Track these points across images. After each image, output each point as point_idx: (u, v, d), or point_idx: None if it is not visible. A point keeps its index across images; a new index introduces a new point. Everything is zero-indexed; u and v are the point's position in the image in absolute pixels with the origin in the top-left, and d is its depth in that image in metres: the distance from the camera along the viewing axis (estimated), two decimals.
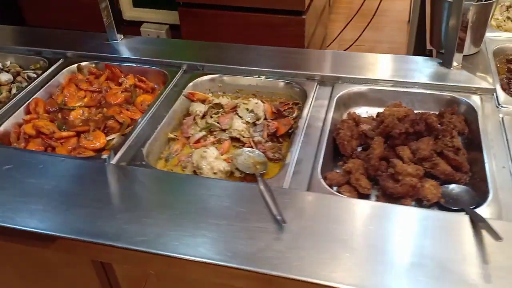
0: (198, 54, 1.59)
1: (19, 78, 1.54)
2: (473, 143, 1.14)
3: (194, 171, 1.15)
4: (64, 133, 1.27)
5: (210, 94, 1.44)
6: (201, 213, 0.97)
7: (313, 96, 1.32)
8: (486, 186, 0.99)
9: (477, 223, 0.89)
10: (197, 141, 1.26)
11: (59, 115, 1.38)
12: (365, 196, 1.06)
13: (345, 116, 1.29)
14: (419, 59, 1.42)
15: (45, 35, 1.76)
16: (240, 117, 1.28)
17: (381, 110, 1.24)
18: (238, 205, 0.98)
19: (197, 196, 1.01)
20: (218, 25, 2.65)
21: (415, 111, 1.21)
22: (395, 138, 1.11)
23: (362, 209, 0.97)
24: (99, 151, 1.25)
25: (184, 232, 0.93)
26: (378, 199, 1.05)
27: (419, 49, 3.24)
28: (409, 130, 1.11)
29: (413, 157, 1.09)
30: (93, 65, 1.55)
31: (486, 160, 1.05)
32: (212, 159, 1.13)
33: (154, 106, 1.33)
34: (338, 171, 1.13)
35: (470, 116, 1.21)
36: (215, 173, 1.12)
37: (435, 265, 0.84)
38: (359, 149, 1.18)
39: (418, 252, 0.86)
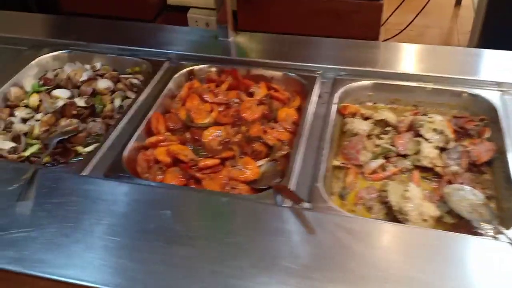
0: (334, 55, 1.33)
1: (120, 85, 1.29)
2: None
3: (394, 216, 0.90)
4: (209, 161, 1.02)
5: (357, 105, 1.19)
6: None
7: (506, 110, 1.07)
8: None
9: None
10: (373, 171, 1.01)
11: (188, 135, 1.13)
12: None
13: None
14: None
15: (131, 30, 1.50)
16: (426, 139, 1.03)
17: None
18: None
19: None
20: (280, 12, 2.38)
21: None
22: None
23: None
24: (252, 183, 1.01)
25: None
26: None
27: (486, 36, 2.99)
28: None
29: None
30: (213, 70, 1.29)
31: None
32: (418, 201, 0.89)
33: (305, 124, 1.08)
34: None
35: None
36: (424, 220, 0.88)
37: None
38: None
39: None
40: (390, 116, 1.12)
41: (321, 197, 0.90)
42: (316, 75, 1.23)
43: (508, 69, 1.19)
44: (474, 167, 1.00)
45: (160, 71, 1.28)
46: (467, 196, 0.91)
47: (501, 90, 1.14)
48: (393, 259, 0.79)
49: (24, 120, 1.21)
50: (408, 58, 1.31)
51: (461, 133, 1.08)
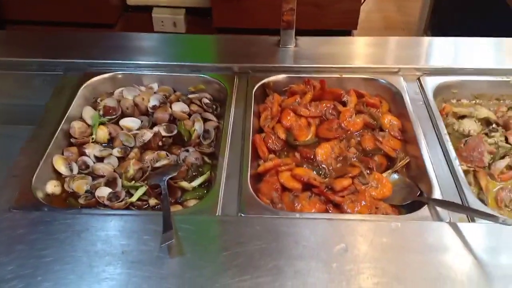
0: (408, 53, 1.31)
1: (194, 107, 1.17)
2: None
3: None
4: (345, 182, 0.96)
5: (443, 104, 1.20)
6: None
7: None
8: None
9: None
10: (502, 172, 1.02)
11: (297, 155, 1.05)
12: None
13: None
14: None
15: (177, 43, 1.37)
16: None
17: None
18: None
19: None
20: (257, 7, 2.34)
21: None
22: None
23: None
24: (387, 200, 0.97)
25: None
26: None
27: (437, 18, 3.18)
28: None
29: None
30: (290, 80, 1.21)
31: None
32: None
33: (418, 130, 1.06)
34: None
35: None
36: None
37: None
38: None
39: None
40: (489, 114, 1.13)
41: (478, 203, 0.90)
42: (399, 75, 1.21)
43: None
44: None
45: (234, 88, 1.18)
46: None
47: None
48: None
49: (98, 159, 1.06)
50: (482, 52, 1.31)
51: None
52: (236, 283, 0.76)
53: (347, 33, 2.74)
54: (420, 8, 3.48)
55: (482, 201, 0.97)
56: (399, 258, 0.81)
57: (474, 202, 0.91)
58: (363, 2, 2.99)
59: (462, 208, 0.88)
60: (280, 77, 1.22)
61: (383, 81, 1.20)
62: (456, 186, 0.94)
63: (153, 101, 1.15)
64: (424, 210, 0.90)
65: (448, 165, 0.98)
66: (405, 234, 0.85)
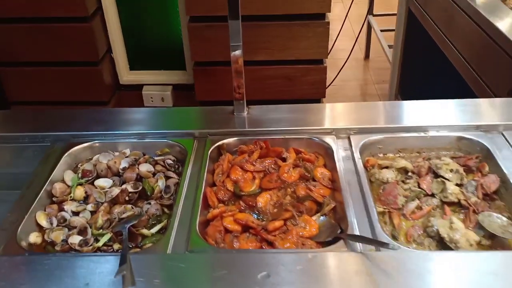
0: (341, 116, 1.54)
1: (158, 167, 1.39)
2: None
3: (445, 245, 1.09)
4: (277, 223, 1.15)
5: (371, 157, 1.41)
6: None
7: (495, 148, 1.34)
8: None
9: None
10: (413, 212, 1.21)
11: (241, 204, 1.25)
12: None
13: None
14: None
15: (147, 115, 1.62)
16: (446, 179, 1.25)
17: None
18: None
19: None
20: (231, 81, 2.62)
21: None
22: None
23: None
24: (313, 238, 1.15)
25: None
26: None
27: (404, 84, 3.50)
28: None
29: None
30: (240, 142, 1.44)
31: None
32: (464, 231, 1.09)
33: (342, 180, 1.26)
34: None
35: None
36: (471, 245, 1.08)
37: None
38: None
39: None
40: (407, 164, 1.33)
41: (386, 239, 1.08)
42: (332, 135, 1.43)
43: (485, 114, 1.47)
44: (487, 196, 1.23)
45: (192, 150, 1.41)
46: (495, 220, 1.13)
47: (482, 131, 1.41)
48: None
49: (74, 213, 1.26)
50: (407, 113, 1.55)
51: (466, 170, 1.32)
52: None
53: (316, 101, 3.01)
54: (391, 75, 3.80)
55: (394, 237, 1.15)
56: (311, 281, 0.98)
57: (382, 235, 1.09)
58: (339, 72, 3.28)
59: (366, 239, 1.06)
60: (233, 139, 1.45)
61: (317, 140, 1.42)
62: (369, 224, 1.13)
63: (123, 164, 1.37)
64: (340, 244, 1.08)
65: (365, 208, 1.18)
66: (320, 263, 1.03)
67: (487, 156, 1.33)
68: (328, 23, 2.63)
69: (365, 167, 1.35)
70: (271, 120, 1.52)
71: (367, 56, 4.76)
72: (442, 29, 2.57)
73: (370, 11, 4.46)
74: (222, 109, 1.57)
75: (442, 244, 1.10)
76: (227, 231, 1.16)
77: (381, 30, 4.26)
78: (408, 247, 1.10)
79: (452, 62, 2.43)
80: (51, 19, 2.59)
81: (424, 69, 3.15)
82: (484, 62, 2.10)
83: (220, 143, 1.43)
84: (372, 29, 4.39)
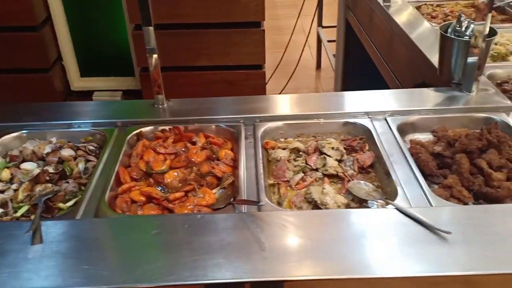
0: (250, 108, 1.73)
1: (80, 152, 1.54)
2: None
3: (318, 208, 1.28)
4: (177, 194, 1.32)
5: (274, 141, 1.59)
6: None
7: (376, 131, 1.54)
8: None
9: None
10: (297, 183, 1.40)
11: (151, 180, 1.42)
12: (465, 204, 1.29)
13: (408, 142, 1.53)
14: (442, 89, 1.73)
15: (74, 107, 1.77)
16: (329, 155, 1.45)
17: (428, 135, 1.53)
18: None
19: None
20: (180, 85, 2.81)
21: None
22: (473, 153, 1.37)
23: None
24: (211, 206, 1.32)
25: None
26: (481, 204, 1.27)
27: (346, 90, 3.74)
28: (480, 146, 1.37)
29: (490, 167, 1.35)
30: (159, 129, 1.61)
31: None
32: (333, 195, 1.28)
33: (241, 159, 1.44)
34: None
35: (508, 130, 1.51)
36: (338, 206, 1.27)
37: None
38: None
39: None
40: (299, 144, 1.53)
41: (267, 203, 1.26)
42: (240, 123, 1.61)
43: (371, 103, 1.68)
44: (363, 170, 1.43)
45: (112, 137, 1.57)
46: (363, 187, 1.33)
47: (369, 117, 1.61)
48: (325, 234, 1.16)
49: (1, 191, 1.40)
50: (304, 104, 1.75)
51: (350, 150, 1.51)
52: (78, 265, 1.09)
53: None
54: (334, 83, 4.05)
55: (279, 203, 1.33)
56: (195, 234, 1.15)
57: (265, 201, 1.27)
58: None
59: (242, 201, 1.24)
60: (150, 128, 1.62)
61: (225, 126, 1.60)
62: (256, 193, 1.31)
63: (47, 149, 1.52)
64: (229, 208, 1.26)
65: (256, 181, 1.35)
66: (206, 221, 1.20)
67: (370, 137, 1.53)
68: (263, 30, 2.84)
69: (265, 148, 1.53)
70: (188, 110, 1.69)
71: (318, 66, 5.01)
72: (366, 31, 2.82)
73: (319, 23, 4.73)
74: (144, 102, 1.74)
75: (317, 207, 1.29)
76: (133, 201, 1.32)
77: (328, 41, 4.52)
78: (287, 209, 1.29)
79: (374, 61, 2.68)
80: (1, 28, 2.72)
81: (362, 76, 3.40)
82: (394, 59, 2.34)
83: (138, 130, 1.60)
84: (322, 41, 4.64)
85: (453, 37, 1.66)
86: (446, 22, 1.73)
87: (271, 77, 3.93)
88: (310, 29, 4.45)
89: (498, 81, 1.84)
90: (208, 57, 2.83)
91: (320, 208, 1.28)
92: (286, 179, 1.41)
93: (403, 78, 2.26)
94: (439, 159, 1.41)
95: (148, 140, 1.58)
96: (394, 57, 2.38)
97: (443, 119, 1.59)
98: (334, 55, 4.09)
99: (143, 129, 1.61)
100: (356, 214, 1.22)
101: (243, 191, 1.31)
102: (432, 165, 1.38)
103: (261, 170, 1.39)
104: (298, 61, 4.28)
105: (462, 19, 1.67)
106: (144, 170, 1.45)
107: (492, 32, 1.61)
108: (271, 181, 1.40)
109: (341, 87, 3.90)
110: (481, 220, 1.16)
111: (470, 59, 1.60)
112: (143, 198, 1.32)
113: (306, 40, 4.41)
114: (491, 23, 1.55)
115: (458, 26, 1.67)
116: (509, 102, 1.62)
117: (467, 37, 1.64)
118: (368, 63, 2.84)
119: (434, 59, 1.83)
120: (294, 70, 4.25)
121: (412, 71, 2.14)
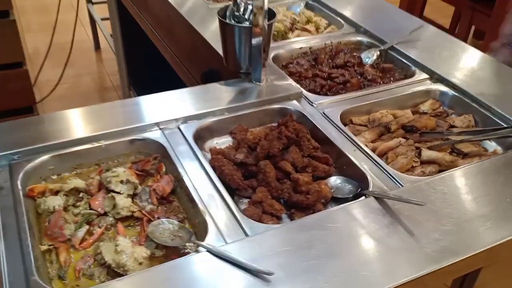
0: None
1: None
2: (319, 139, 1.37)
3: (116, 273, 0.99)
4: None
5: (44, 183, 1.23)
6: None
7: (171, 145, 1.30)
8: (360, 170, 1.24)
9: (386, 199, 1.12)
10: (83, 240, 1.08)
11: None
12: (279, 218, 1.16)
13: (207, 151, 1.33)
14: (233, 82, 1.56)
15: None
16: (118, 192, 1.15)
17: (227, 138, 1.38)
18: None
19: None
20: None
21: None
22: (276, 156, 1.24)
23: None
24: None
25: None
26: (293, 215, 1.16)
27: (134, 74, 3.45)
28: (281, 147, 1.26)
29: (294, 168, 1.24)
30: None
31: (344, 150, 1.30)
32: (130, 250, 1.01)
33: None
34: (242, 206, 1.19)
35: (302, 119, 1.43)
36: (140, 264, 1.01)
37: None
38: None
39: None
40: (78, 183, 1.19)
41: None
42: None
43: (160, 109, 1.42)
44: (164, 200, 1.19)
45: None
46: (166, 227, 1.08)
47: (160, 128, 1.36)
48: None
49: None
50: (76, 123, 1.38)
51: (144, 175, 1.25)
52: None
53: (29, 110, 2.69)
54: (118, 66, 3.64)
55: (60, 277, 1.00)
56: None
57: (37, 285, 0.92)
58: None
59: None
60: None
61: None
62: (24, 273, 0.95)
63: None
64: None
65: (22, 254, 0.99)
66: None
67: (165, 154, 1.29)
68: (14, 21, 2.30)
69: (31, 197, 1.16)
70: None
71: (97, 47, 4.51)
72: (139, 9, 2.52)
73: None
74: None
75: (114, 271, 1.00)
76: None
77: (102, 19, 4.04)
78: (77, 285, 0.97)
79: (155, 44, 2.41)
80: None
81: (148, 57, 3.08)
82: (176, 43, 2.11)
83: None
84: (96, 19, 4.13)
85: (233, 23, 1.48)
86: (223, 6, 1.55)
87: (39, 71, 3.33)
88: (78, 4, 3.86)
89: (283, 63, 1.77)
90: None
91: (118, 273, 0.99)
92: (65, 238, 1.07)
93: (189, 65, 2.05)
94: (244, 167, 1.26)
95: None
96: (176, 41, 2.15)
97: (239, 118, 1.43)
98: (111, 35, 3.67)
99: None
100: (163, 271, 0.97)
101: (5, 276, 0.94)
102: (237, 177, 1.21)
103: (26, 235, 1.02)
104: (72, 43, 3.66)
105: (238, 1, 1.50)
106: None
107: (272, 14, 1.49)
108: (45, 246, 1.05)
109: (127, 70, 3.52)
110: (299, 241, 1.04)
111: (254, 43, 1.45)
112: None
113: (76, 19, 3.82)
114: None
115: (236, 10, 1.50)
116: (297, 87, 1.55)
117: (247, 22, 1.49)
118: (152, 44, 2.56)
119: (218, 45, 1.64)
120: (69, 55, 3.64)
121: (198, 59, 1.94)
